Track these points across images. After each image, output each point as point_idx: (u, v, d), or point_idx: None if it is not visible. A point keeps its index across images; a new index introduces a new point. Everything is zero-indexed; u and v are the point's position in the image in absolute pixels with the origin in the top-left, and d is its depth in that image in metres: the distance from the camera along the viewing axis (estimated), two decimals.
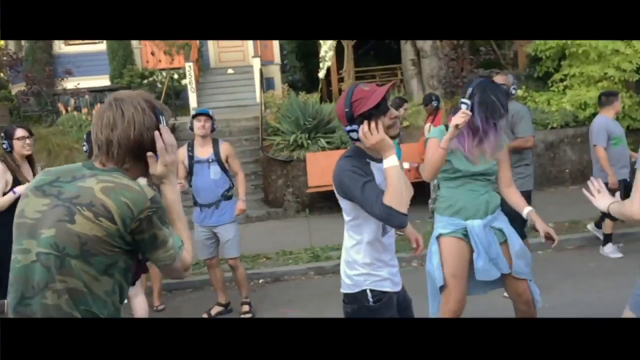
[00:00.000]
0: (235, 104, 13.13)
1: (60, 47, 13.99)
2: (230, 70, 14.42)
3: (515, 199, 3.30)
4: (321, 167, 8.70)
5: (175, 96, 13.44)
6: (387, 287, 2.46)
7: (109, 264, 1.68)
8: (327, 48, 9.32)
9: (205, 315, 4.92)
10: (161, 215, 1.74)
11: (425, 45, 7.71)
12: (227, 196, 4.76)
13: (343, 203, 2.43)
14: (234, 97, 13.33)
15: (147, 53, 14.20)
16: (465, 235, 3.20)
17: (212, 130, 4.81)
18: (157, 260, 1.78)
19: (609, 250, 5.69)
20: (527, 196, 4.87)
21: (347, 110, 2.29)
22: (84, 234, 1.63)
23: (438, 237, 3.28)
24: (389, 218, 2.22)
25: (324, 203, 8.88)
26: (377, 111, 2.27)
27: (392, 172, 2.24)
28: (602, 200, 2.28)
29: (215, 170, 4.71)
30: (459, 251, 3.20)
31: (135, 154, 1.76)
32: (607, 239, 5.72)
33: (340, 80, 14.19)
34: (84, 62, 13.48)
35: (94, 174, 1.72)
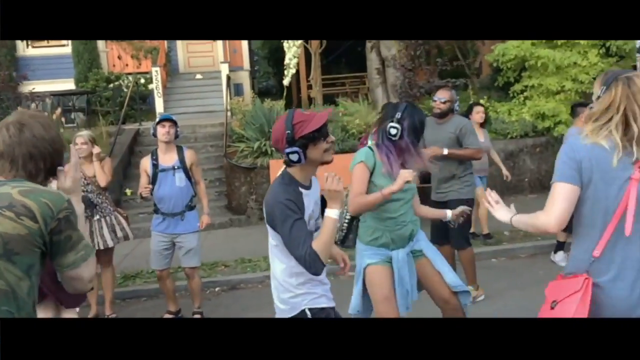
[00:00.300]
0: (202, 109, 13.08)
1: (25, 49, 13.77)
2: (198, 76, 14.37)
3: (432, 212, 3.53)
4: None
5: (142, 101, 13.32)
6: (324, 304, 2.50)
7: (29, 264, 1.74)
8: (291, 55, 9.33)
9: None
10: (75, 218, 1.82)
11: (390, 54, 7.81)
12: (191, 206, 4.74)
13: (270, 232, 2.44)
14: (202, 102, 13.28)
15: (114, 57, 14.07)
16: (390, 262, 3.27)
17: (176, 136, 4.76)
18: (67, 265, 1.81)
19: (559, 258, 5.79)
20: (472, 204, 4.98)
21: (288, 132, 2.30)
22: (5, 233, 1.69)
23: (365, 267, 3.29)
24: (312, 264, 2.26)
25: None
26: (319, 134, 2.31)
27: (330, 223, 2.29)
28: (501, 211, 2.33)
29: (180, 178, 4.67)
30: (387, 273, 3.26)
31: (46, 168, 1.86)
32: (560, 246, 5.83)
33: (310, 87, 14.28)
34: (49, 65, 13.29)
35: (4, 182, 1.79)
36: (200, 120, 11.98)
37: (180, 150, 4.76)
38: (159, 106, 12.85)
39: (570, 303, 1.97)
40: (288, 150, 2.32)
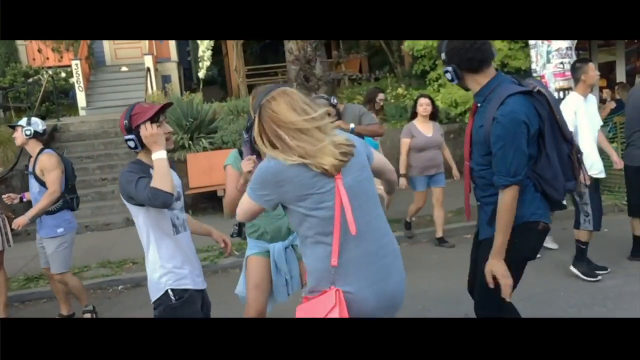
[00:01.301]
0: (127, 103, 12.59)
1: None
2: (124, 68, 14.05)
3: None
4: (202, 168, 8.68)
5: (64, 95, 12.96)
6: (188, 285, 2.63)
7: None
8: (204, 48, 9.24)
9: None
10: None
11: (287, 47, 7.85)
12: (49, 211, 4.54)
13: (132, 209, 2.60)
14: (127, 95, 12.96)
15: (34, 50, 13.61)
16: (269, 254, 3.39)
17: (28, 136, 4.52)
18: None
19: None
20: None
21: (126, 122, 2.58)
22: None
23: (247, 257, 3.46)
24: (155, 197, 2.45)
25: (207, 204, 8.87)
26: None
27: (158, 162, 2.52)
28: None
29: (33, 184, 4.57)
30: (262, 264, 3.38)
31: None
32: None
33: (248, 77, 14.20)
34: None
35: None
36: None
37: (39, 154, 4.54)
38: (81, 100, 12.54)
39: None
40: (126, 137, 2.59)
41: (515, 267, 2.63)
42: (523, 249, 2.60)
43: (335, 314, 1.93)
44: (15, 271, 6.31)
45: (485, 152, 2.53)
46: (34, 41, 13.50)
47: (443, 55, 2.62)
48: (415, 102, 6.09)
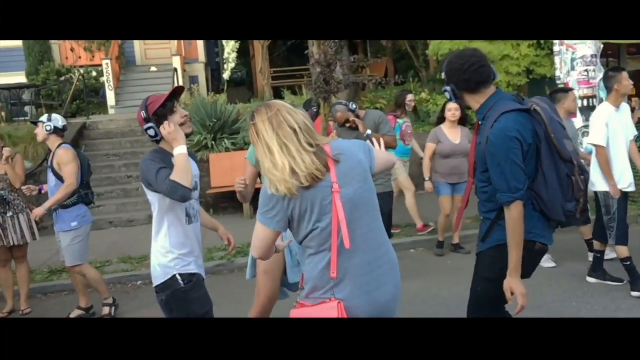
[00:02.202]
0: None
1: None
2: (153, 68, 14.32)
3: None
4: (224, 168, 8.81)
5: (95, 94, 13.27)
6: (194, 270, 2.73)
7: None
8: (229, 50, 9.37)
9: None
10: None
11: (310, 50, 7.92)
12: (64, 205, 4.70)
13: (149, 196, 2.71)
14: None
15: (67, 50, 13.97)
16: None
17: (48, 132, 4.72)
18: None
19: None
20: (391, 196, 5.17)
21: (143, 112, 2.70)
22: None
23: None
24: (174, 190, 2.54)
25: (228, 203, 8.99)
26: (164, 109, 2.67)
27: (179, 157, 2.62)
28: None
29: (51, 178, 4.74)
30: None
31: None
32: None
33: (274, 79, 14.36)
34: (0, 58, 13.16)
35: None
36: None
37: (56, 150, 4.74)
38: (111, 99, 12.82)
39: None
40: (145, 126, 2.68)
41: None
42: None
43: None
44: (40, 264, 6.51)
45: (484, 169, 2.56)
46: (67, 40, 13.86)
47: (443, 75, 2.67)
48: (444, 106, 5.93)
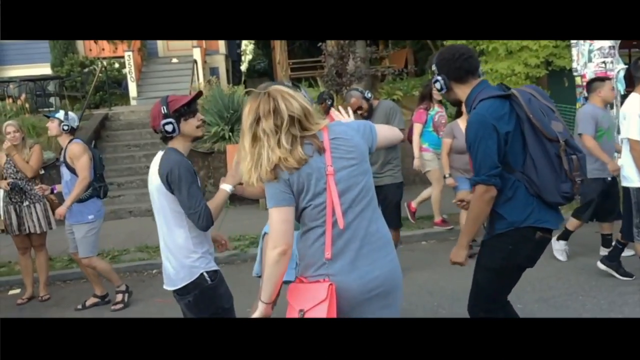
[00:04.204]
0: (176, 93, 13.13)
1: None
2: (174, 60, 14.47)
3: None
4: None
5: (117, 85, 13.49)
6: (215, 267, 2.79)
7: None
8: (247, 42, 9.41)
9: (79, 307, 5.13)
10: None
11: (329, 42, 7.93)
12: (79, 199, 4.80)
13: (163, 197, 2.67)
14: (175, 87, 13.35)
15: (91, 42, 14.20)
16: None
17: (67, 131, 4.86)
18: None
19: (558, 246, 5.39)
20: (403, 187, 5.17)
21: (164, 107, 2.70)
22: None
23: (264, 235, 3.63)
24: (205, 218, 2.58)
25: None
26: (188, 109, 2.72)
27: (223, 193, 2.73)
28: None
29: (65, 172, 4.85)
30: None
31: None
32: (565, 235, 5.37)
33: (292, 70, 14.40)
34: (25, 50, 13.45)
35: None
36: None
37: (67, 145, 4.85)
38: (132, 90, 13.02)
39: (318, 312, 2.04)
40: (164, 121, 2.67)
41: (508, 273, 2.67)
42: (516, 256, 2.63)
43: (323, 308, 2.03)
44: (60, 252, 6.70)
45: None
46: None
47: (434, 67, 2.74)
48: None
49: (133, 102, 13.00)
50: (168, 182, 2.61)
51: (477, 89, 2.63)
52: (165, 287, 2.81)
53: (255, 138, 2.10)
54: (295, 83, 4.60)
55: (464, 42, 9.03)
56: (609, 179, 4.97)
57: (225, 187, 2.74)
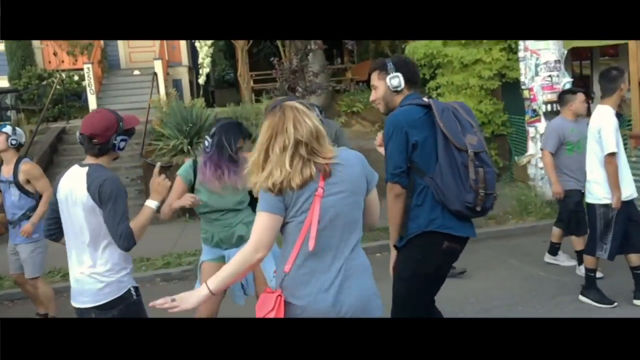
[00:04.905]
0: (137, 106, 12.96)
1: None
2: (136, 72, 14.34)
3: None
4: None
5: (77, 98, 13.31)
6: (135, 283, 2.81)
7: None
8: (203, 55, 9.44)
9: None
10: None
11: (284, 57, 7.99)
12: (29, 216, 4.70)
13: (91, 215, 2.62)
14: (137, 99, 13.22)
15: (50, 53, 13.99)
16: (224, 259, 3.52)
17: (13, 146, 4.69)
18: None
19: (563, 257, 5.42)
20: None
21: (121, 123, 2.75)
22: None
23: (201, 264, 3.67)
24: (126, 238, 2.58)
25: None
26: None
27: (148, 211, 2.74)
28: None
29: (14, 192, 4.69)
30: (216, 270, 3.46)
31: None
32: (553, 250, 5.40)
33: (256, 82, 14.38)
34: None
35: None
36: None
37: (17, 163, 4.68)
38: (92, 103, 12.83)
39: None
40: (121, 137, 2.72)
41: (419, 282, 2.69)
42: (425, 264, 2.67)
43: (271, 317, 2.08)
44: (7, 270, 6.54)
45: None
46: (50, 44, 13.89)
47: (391, 65, 2.79)
48: None
49: None
50: (100, 198, 2.59)
51: (410, 97, 2.78)
52: (77, 305, 2.74)
53: (267, 153, 2.12)
54: (313, 103, 4.62)
55: (422, 52, 9.22)
56: (584, 190, 4.64)
57: (150, 203, 2.75)
